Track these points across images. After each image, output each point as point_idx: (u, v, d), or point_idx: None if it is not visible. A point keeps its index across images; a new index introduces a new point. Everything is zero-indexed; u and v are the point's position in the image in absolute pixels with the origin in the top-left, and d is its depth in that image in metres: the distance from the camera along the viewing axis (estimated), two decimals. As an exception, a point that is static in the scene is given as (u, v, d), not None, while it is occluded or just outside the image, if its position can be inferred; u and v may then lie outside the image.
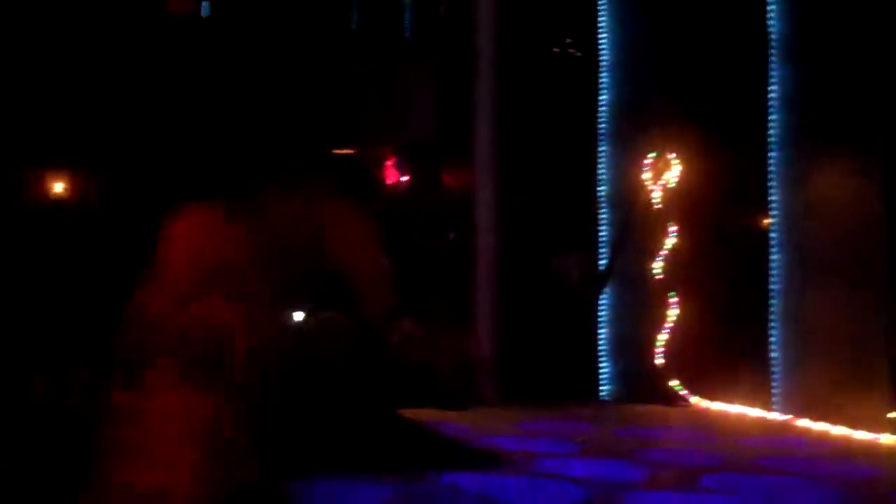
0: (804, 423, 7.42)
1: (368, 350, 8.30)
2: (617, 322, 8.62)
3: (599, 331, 8.67)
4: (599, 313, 8.68)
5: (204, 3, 11.54)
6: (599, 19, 9.00)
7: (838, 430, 7.15)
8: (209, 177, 8.99)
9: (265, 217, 8.83)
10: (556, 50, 10.40)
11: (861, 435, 7.01)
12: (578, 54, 9.91)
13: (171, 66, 9.24)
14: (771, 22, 8.20)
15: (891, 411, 7.59)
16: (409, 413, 7.46)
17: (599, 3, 8.97)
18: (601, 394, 8.60)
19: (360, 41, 11.05)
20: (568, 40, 10.26)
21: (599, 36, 9.02)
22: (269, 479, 5.36)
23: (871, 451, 6.72)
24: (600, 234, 8.86)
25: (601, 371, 8.63)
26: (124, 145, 8.94)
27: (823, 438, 7.08)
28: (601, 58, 9.01)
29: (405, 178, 10.04)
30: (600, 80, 9.01)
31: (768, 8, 8.22)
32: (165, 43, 9.25)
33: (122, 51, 8.94)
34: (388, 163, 10.13)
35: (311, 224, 8.86)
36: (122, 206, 8.77)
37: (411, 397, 7.84)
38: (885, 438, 6.96)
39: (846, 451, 6.69)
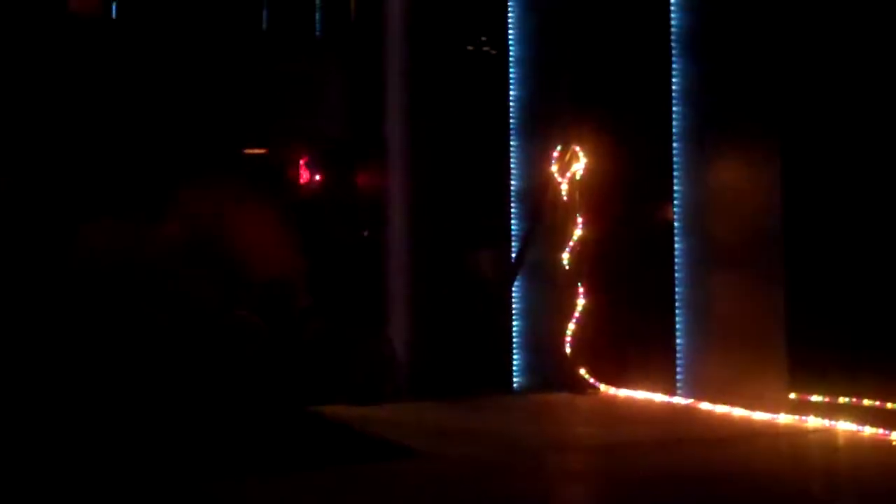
0: (706, 406, 7.59)
1: (279, 349, 8.29)
2: (528, 314, 8.72)
3: (512, 323, 8.76)
4: (511, 306, 8.77)
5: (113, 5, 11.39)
6: (508, 16, 9.10)
7: (739, 412, 7.33)
8: (118, 180, 8.88)
9: (177, 219, 8.76)
10: (469, 48, 10.48)
11: (759, 416, 7.20)
12: (494, 52, 10.00)
13: (75, 68, 9.10)
14: (673, 16, 8.38)
15: (789, 392, 7.80)
16: (319, 409, 7.48)
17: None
18: (514, 384, 8.69)
19: (270, 41, 11.01)
20: (483, 38, 10.34)
21: (508, 32, 9.11)
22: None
23: (768, 430, 6.91)
24: (512, 227, 8.96)
25: (514, 362, 8.72)
26: (27, 149, 8.77)
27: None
28: (510, 54, 9.11)
29: (318, 177, 10.02)
30: (510, 76, 9.11)
31: (671, 2, 8.39)
32: (68, 44, 9.10)
33: (19, 52, 8.77)
34: (301, 162, 10.11)
35: (222, 225, 8.81)
36: (25, 210, 8.60)
37: (323, 394, 7.86)
38: (783, 419, 7.15)
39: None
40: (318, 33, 11.66)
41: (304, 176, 10.14)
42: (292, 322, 8.64)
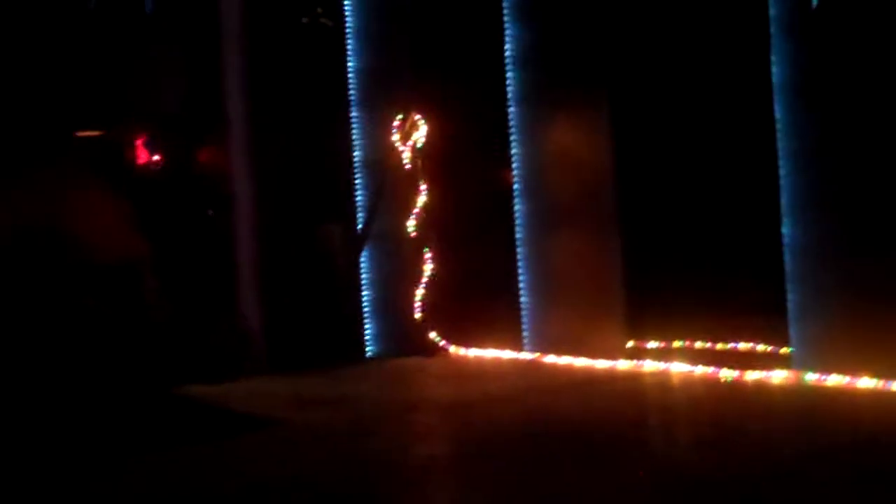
0: (551, 359, 7.91)
1: (129, 334, 8.13)
2: (377, 283, 8.83)
3: (361, 293, 8.85)
4: (360, 276, 8.86)
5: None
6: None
7: (581, 362, 7.67)
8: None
9: (10, 207, 8.43)
10: (305, 20, 10.43)
11: (601, 364, 7.56)
12: (330, 24, 9.99)
13: None
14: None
15: (628, 340, 8.21)
16: (179, 390, 7.43)
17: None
18: (367, 353, 8.80)
19: (100, 18, 10.66)
20: (318, 10, 10.31)
21: (344, 3, 9.12)
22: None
23: (608, 376, 7.28)
24: (357, 197, 9.02)
25: (366, 331, 8.83)
26: None
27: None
28: (346, 25, 9.12)
29: (156, 157, 9.81)
30: (347, 48, 9.13)
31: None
32: None
33: None
34: (138, 142, 9.86)
35: (61, 211, 8.54)
36: None
37: (181, 375, 7.78)
38: (622, 365, 7.53)
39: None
40: (148, 9, 11.37)
41: (143, 156, 9.91)
42: (141, 306, 8.49)
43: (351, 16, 9.13)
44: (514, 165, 8.52)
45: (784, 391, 6.49)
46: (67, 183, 8.60)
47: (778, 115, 6.98)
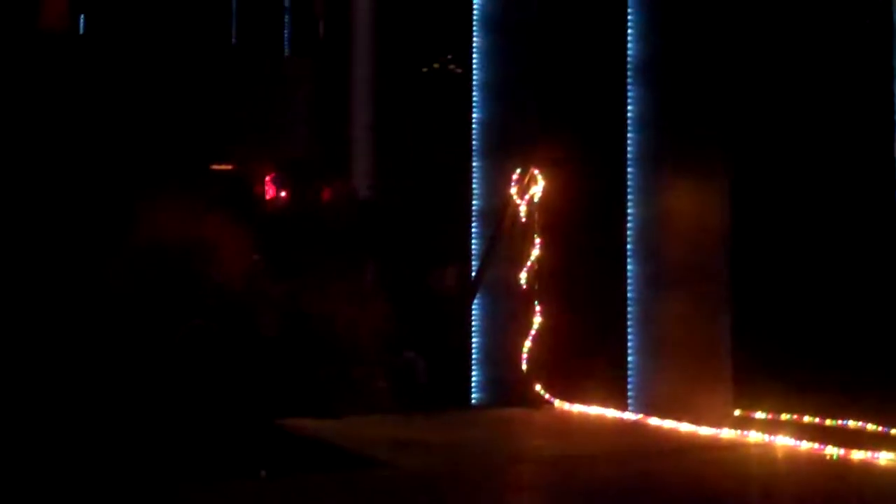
0: (655, 421, 7.93)
1: (242, 360, 8.48)
2: (486, 331, 9.01)
3: (471, 339, 9.03)
4: (471, 323, 9.04)
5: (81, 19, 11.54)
6: (473, 37, 9.37)
7: (685, 427, 7.67)
8: (87, 193, 9.05)
9: (144, 231, 8.92)
10: (434, 67, 10.77)
11: (705, 431, 7.55)
12: (459, 71, 10.30)
13: (44, 83, 9.25)
14: (629, 45, 8.73)
15: (734, 408, 8.17)
16: (285, 422, 7.70)
17: (474, 23, 9.36)
18: (472, 400, 8.97)
19: (239, 57, 11.21)
20: (448, 56, 10.64)
21: (473, 53, 9.39)
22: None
23: (712, 444, 7.26)
24: (473, 246, 9.24)
25: (472, 378, 8.99)
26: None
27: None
28: (473, 76, 9.39)
29: (283, 194, 10.23)
30: (473, 98, 9.39)
31: (628, 32, 8.74)
32: (37, 60, 9.25)
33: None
34: (268, 178, 10.31)
35: (189, 237, 8.99)
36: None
37: (290, 406, 8.07)
38: (726, 433, 7.51)
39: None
40: (286, 51, 11.92)
41: (271, 192, 10.34)
42: (256, 334, 8.82)
43: (478, 67, 9.39)
44: (628, 225, 8.61)
45: (891, 473, 6.39)
46: (199, 211, 9.07)
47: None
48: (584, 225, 8.98)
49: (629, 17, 8.69)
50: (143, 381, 7.98)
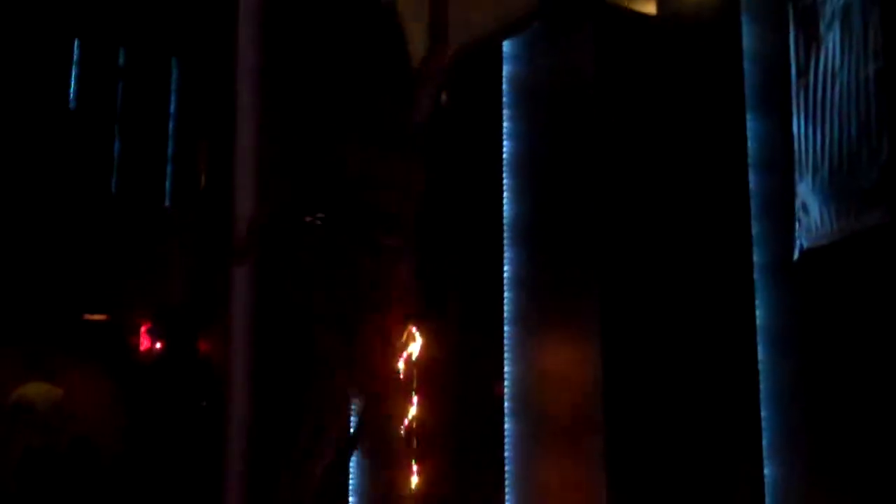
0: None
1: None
2: (362, 493, 8.88)
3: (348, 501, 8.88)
4: (348, 484, 8.90)
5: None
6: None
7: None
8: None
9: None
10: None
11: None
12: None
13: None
14: (505, 207, 9.07)
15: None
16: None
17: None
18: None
19: (119, 206, 11.13)
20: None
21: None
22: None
23: None
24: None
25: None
26: None
27: None
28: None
29: (158, 345, 10.06)
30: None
31: (503, 194, 9.10)
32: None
33: None
34: (143, 329, 10.13)
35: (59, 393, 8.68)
36: None
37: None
38: None
39: None
40: (167, 202, 11.87)
41: (145, 343, 10.16)
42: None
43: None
44: (505, 382, 8.75)
45: None
46: (70, 365, 8.81)
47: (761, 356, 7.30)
48: (461, 383, 9.08)
49: (504, 181, 9.07)
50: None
